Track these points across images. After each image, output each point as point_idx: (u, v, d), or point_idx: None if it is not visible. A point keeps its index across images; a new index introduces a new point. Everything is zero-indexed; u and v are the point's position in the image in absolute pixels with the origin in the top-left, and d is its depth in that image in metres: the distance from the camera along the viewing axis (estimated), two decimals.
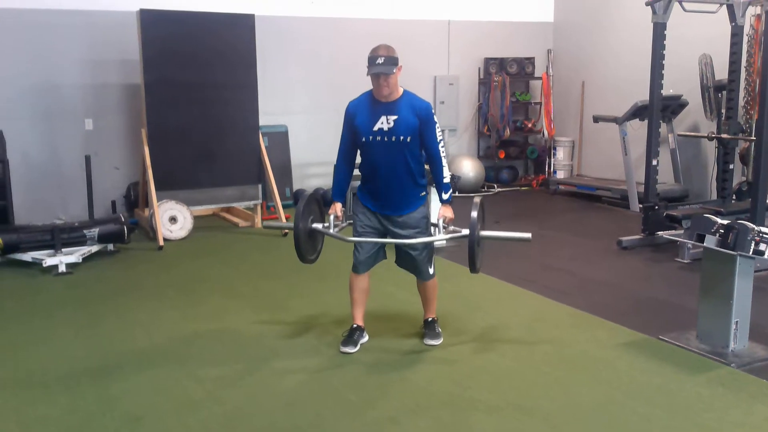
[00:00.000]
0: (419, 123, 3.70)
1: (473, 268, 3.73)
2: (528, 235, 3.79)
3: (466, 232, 3.68)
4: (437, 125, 3.76)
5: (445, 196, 3.82)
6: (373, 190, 3.86)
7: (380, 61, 3.59)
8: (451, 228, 3.82)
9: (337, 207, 3.90)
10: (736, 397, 3.34)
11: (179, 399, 3.38)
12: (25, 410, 3.28)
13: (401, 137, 3.70)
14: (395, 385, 3.53)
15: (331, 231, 3.88)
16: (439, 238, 3.82)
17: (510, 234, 3.87)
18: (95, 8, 7.44)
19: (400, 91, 3.75)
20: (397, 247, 3.93)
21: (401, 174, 3.77)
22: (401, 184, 3.79)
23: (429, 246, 3.90)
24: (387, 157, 3.75)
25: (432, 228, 3.90)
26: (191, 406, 3.31)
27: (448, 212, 3.81)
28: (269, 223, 4.22)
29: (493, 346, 4.00)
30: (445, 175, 3.79)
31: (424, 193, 3.91)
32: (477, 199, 3.72)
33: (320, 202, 4.07)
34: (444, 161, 3.80)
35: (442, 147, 3.78)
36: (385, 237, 3.93)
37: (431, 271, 3.95)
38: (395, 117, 3.69)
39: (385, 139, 3.71)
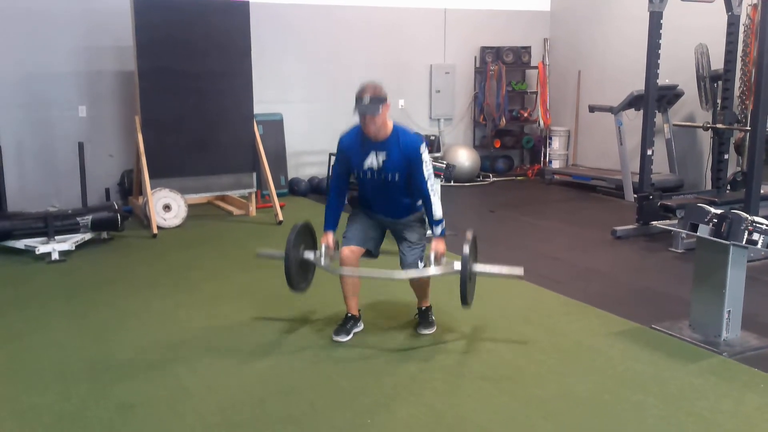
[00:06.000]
0: (408, 162, 3.70)
1: (465, 303, 3.71)
2: (520, 271, 3.77)
3: (458, 266, 3.67)
4: (425, 163, 3.71)
5: (437, 231, 3.79)
6: (368, 204, 3.93)
7: (366, 101, 3.56)
8: (444, 260, 3.80)
9: (329, 238, 3.89)
10: (728, 387, 3.35)
11: (172, 387, 3.38)
12: (18, 398, 3.28)
13: (389, 175, 3.73)
14: (388, 373, 3.53)
15: (322, 262, 3.88)
16: (431, 273, 3.82)
17: (502, 270, 3.85)
18: None
19: (390, 126, 3.72)
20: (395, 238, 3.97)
21: (394, 200, 3.84)
22: (396, 205, 3.87)
23: (419, 248, 3.90)
24: (380, 190, 3.81)
25: (424, 260, 3.90)
26: (184, 394, 3.31)
27: (441, 247, 3.78)
28: (262, 252, 4.24)
29: (486, 335, 4.01)
30: (435, 211, 3.75)
31: (420, 202, 3.90)
32: (469, 235, 3.72)
33: (313, 231, 4.07)
34: (434, 198, 3.76)
35: (431, 184, 3.74)
36: (378, 227, 3.96)
37: (421, 266, 3.93)
38: (384, 157, 3.71)
39: (376, 176, 3.75)
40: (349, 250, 3.88)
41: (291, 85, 8.63)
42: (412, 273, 3.85)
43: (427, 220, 3.85)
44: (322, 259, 3.87)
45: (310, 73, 8.69)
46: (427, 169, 3.72)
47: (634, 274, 5.32)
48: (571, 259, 5.68)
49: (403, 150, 3.69)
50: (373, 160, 3.72)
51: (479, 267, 3.79)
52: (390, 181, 3.75)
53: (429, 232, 3.87)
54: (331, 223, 3.90)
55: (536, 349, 3.82)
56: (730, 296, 3.76)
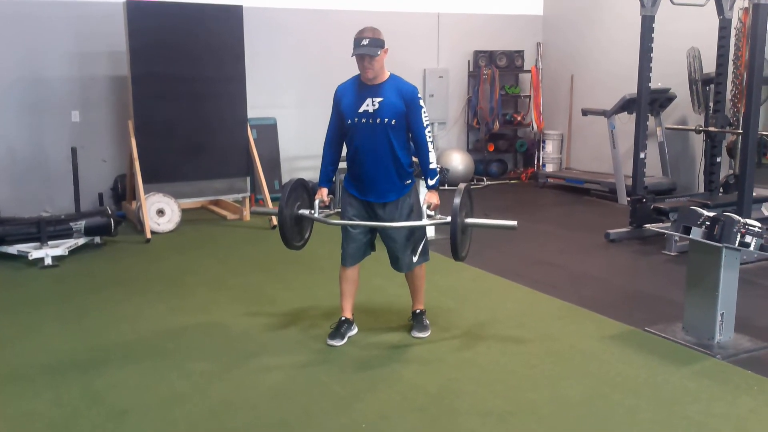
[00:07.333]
0: (405, 107, 3.69)
1: (456, 256, 3.67)
2: (514, 223, 3.70)
3: (449, 219, 3.61)
4: (423, 110, 3.73)
5: (431, 182, 3.77)
6: (358, 175, 3.83)
7: (365, 42, 3.59)
8: (439, 217, 3.77)
9: (323, 192, 3.90)
10: (721, 389, 3.36)
11: (165, 393, 3.37)
12: (10, 405, 3.26)
13: (385, 119, 3.68)
14: (383, 378, 3.53)
15: (317, 215, 3.86)
16: (421, 224, 3.79)
17: (495, 222, 3.83)
18: None
19: (387, 74, 3.75)
20: (382, 236, 3.92)
21: (385, 159, 3.74)
22: (385, 170, 3.76)
23: (412, 237, 3.88)
24: (371, 141, 3.72)
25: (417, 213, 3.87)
26: (177, 399, 3.30)
27: (434, 198, 3.76)
28: (256, 209, 4.23)
29: (481, 339, 4.00)
30: (431, 160, 3.75)
31: (410, 181, 3.87)
32: (461, 186, 3.68)
33: (308, 188, 4.01)
34: (430, 146, 3.76)
35: (429, 132, 3.75)
36: (369, 231, 3.92)
37: (414, 259, 3.92)
38: (380, 99, 3.68)
39: (370, 121, 3.70)
40: (350, 270, 3.91)
41: (285, 89, 8.62)
42: (404, 223, 3.79)
43: (421, 172, 3.81)
44: (317, 214, 3.86)
45: (303, 78, 8.68)
46: (425, 117, 3.74)
47: (627, 278, 5.33)
48: (565, 262, 5.69)
49: (402, 94, 3.69)
50: (368, 106, 3.69)
51: (471, 219, 3.75)
52: (385, 125, 3.68)
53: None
54: (324, 179, 3.93)
55: (530, 352, 3.82)
56: (723, 299, 3.77)
